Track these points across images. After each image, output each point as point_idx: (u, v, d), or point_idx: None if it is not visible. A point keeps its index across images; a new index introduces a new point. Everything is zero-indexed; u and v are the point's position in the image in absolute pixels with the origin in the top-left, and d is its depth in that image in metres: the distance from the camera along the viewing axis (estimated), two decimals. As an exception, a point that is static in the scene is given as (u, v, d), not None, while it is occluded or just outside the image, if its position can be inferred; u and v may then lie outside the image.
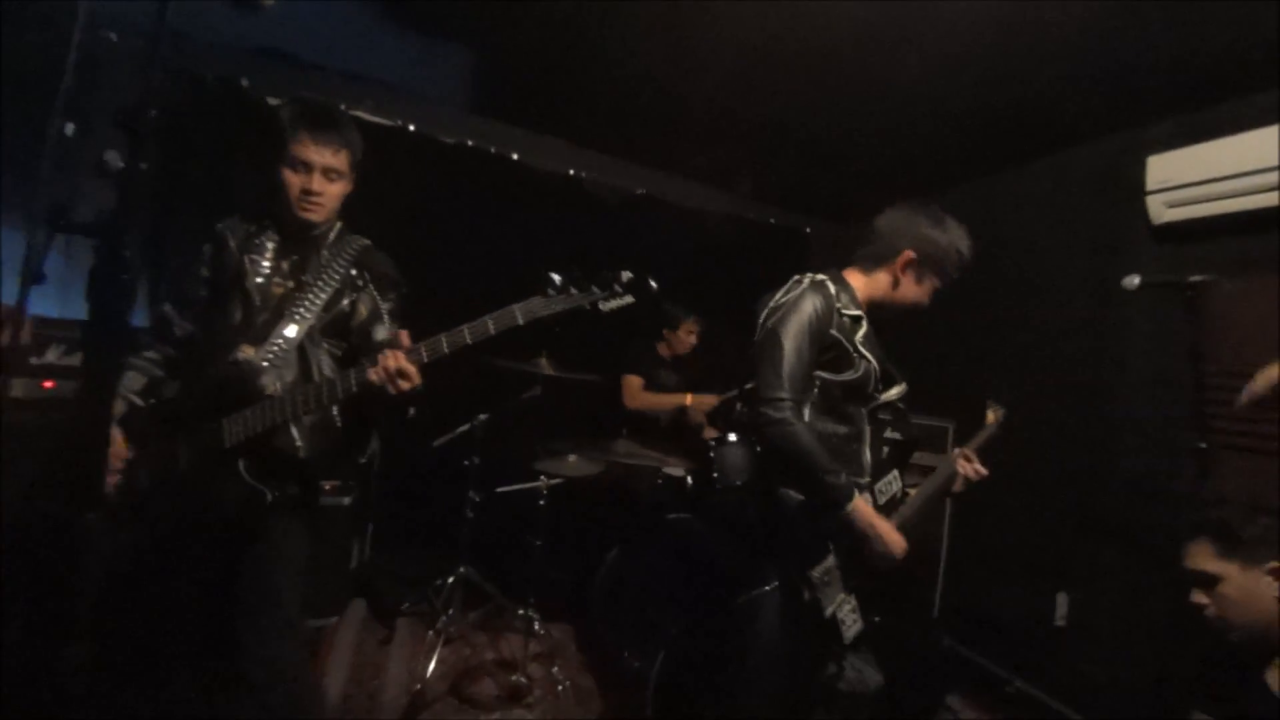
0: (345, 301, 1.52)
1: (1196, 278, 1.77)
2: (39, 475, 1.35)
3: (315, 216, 1.50)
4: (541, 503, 2.48)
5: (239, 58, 2.86)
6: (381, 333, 1.52)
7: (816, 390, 1.51)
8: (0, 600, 0.83)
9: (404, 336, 1.35)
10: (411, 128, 3.25)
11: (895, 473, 1.61)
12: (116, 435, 1.36)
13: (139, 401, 1.46)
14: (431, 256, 2.95)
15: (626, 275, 1.36)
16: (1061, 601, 2.94)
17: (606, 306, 1.37)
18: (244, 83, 2.85)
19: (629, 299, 1.37)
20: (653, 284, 1.38)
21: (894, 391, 1.62)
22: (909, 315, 1.63)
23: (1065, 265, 2.97)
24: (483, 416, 2.62)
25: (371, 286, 1.55)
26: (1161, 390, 2.55)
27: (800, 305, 1.49)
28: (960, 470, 1.66)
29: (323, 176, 1.48)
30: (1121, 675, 2.54)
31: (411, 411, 1.48)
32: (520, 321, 1.32)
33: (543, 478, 2.47)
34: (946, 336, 3.51)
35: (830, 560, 1.46)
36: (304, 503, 1.46)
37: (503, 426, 2.69)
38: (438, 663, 2.37)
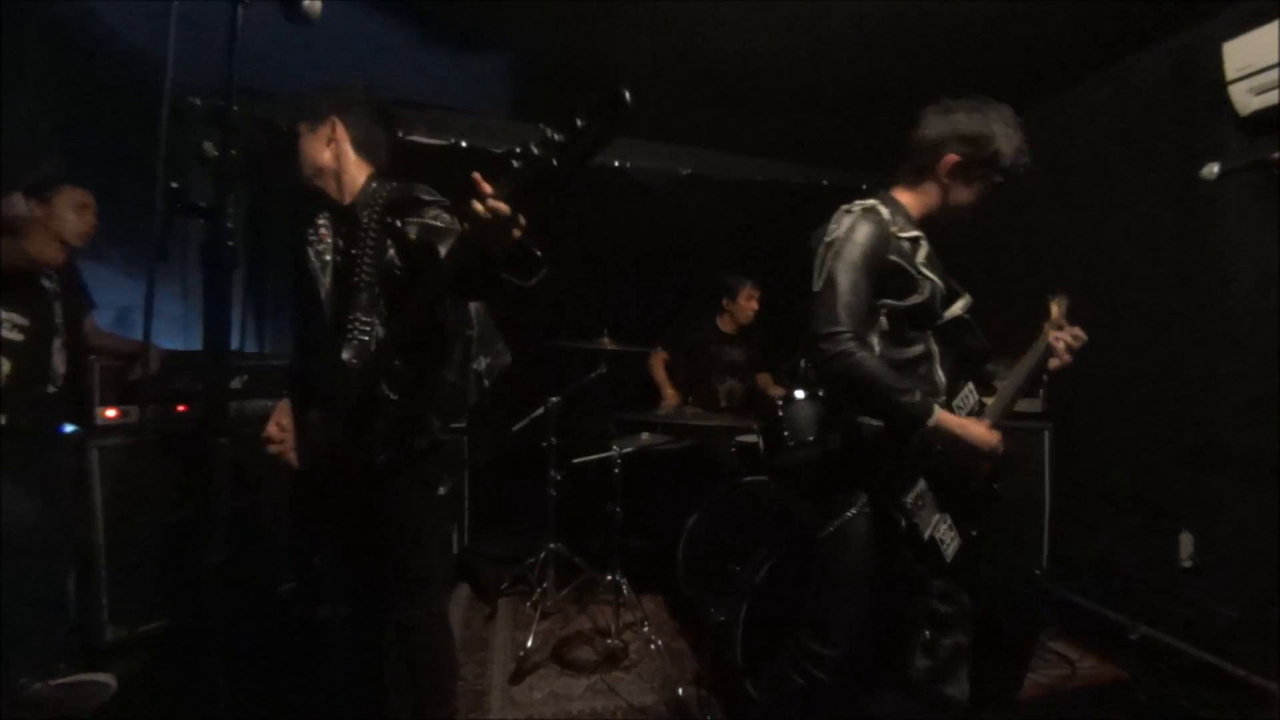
0: (390, 254, 1.50)
1: (1280, 153, 1.58)
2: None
3: (302, 177, 1.60)
4: (616, 471, 2.57)
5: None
6: (444, 248, 1.37)
7: (884, 318, 1.48)
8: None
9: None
10: (464, 144, 3.49)
11: (970, 385, 1.55)
12: (288, 418, 1.66)
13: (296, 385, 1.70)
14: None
15: (593, 99, 1.02)
16: (1186, 541, 2.72)
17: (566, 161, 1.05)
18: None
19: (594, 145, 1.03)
20: (626, 95, 0.99)
21: (958, 306, 1.56)
22: (965, 219, 1.56)
23: (1153, 175, 2.76)
24: (554, 399, 2.75)
25: (411, 219, 1.48)
26: (1269, 297, 2.33)
27: (852, 237, 1.43)
28: (1054, 344, 1.54)
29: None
30: (1260, 614, 2.32)
31: (533, 279, 1.24)
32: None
33: (615, 447, 2.57)
34: (1032, 262, 3.33)
35: (921, 484, 1.44)
36: (410, 459, 1.55)
37: (575, 406, 2.82)
38: (538, 634, 2.51)
